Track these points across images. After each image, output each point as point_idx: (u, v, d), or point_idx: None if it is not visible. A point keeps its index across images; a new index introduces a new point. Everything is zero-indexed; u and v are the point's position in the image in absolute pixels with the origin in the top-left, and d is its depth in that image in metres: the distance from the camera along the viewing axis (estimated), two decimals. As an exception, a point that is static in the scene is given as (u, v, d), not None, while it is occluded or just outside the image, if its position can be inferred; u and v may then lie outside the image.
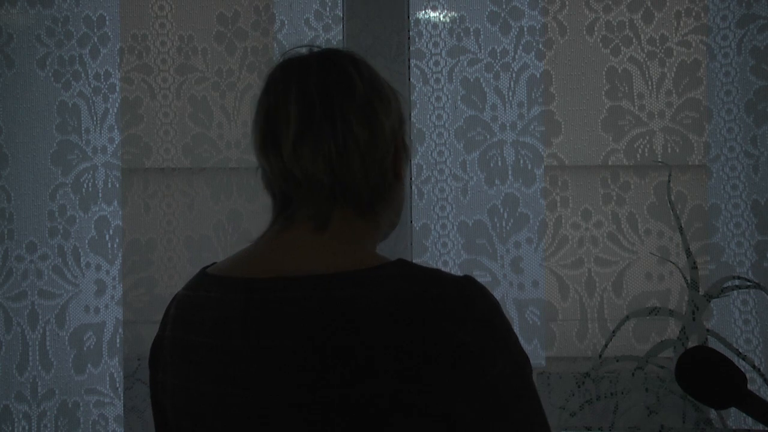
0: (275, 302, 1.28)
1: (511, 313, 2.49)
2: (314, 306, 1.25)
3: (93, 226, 2.50)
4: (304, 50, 1.41)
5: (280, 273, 1.30)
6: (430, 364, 1.21)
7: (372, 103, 1.36)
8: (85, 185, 2.50)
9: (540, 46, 2.51)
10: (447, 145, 2.52)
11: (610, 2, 2.63)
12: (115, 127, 2.51)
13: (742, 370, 2.39)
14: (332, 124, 1.34)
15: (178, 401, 1.36)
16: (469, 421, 1.23)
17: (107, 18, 2.51)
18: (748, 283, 2.42)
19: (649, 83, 2.62)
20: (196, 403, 1.33)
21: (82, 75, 2.49)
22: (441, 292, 1.24)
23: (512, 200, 2.50)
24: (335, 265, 1.28)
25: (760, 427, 2.37)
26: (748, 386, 1.39)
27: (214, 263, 1.42)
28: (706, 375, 1.38)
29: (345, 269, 1.27)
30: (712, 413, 2.40)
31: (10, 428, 2.46)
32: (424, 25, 2.53)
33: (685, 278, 2.44)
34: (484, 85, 2.51)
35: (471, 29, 2.52)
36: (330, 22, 2.55)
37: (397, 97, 1.42)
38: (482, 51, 2.51)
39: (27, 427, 2.46)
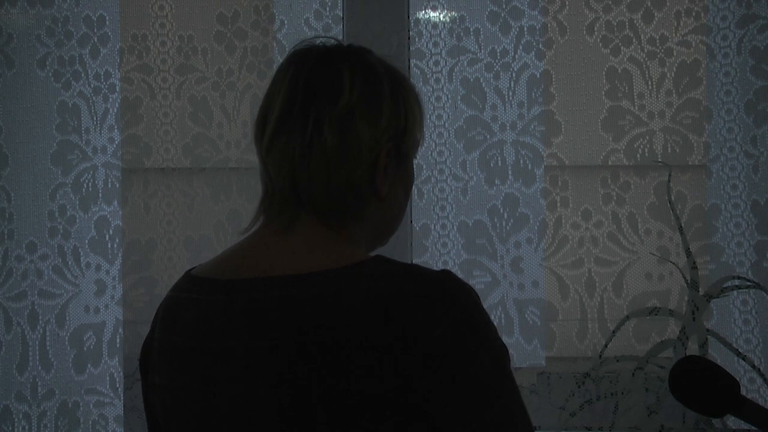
0: (253, 302, 1.28)
1: (511, 313, 2.49)
2: (292, 305, 1.25)
3: (93, 226, 2.50)
4: (317, 41, 1.39)
5: (258, 273, 1.30)
6: (409, 360, 1.21)
7: (353, 113, 1.32)
8: (85, 185, 2.50)
9: (540, 46, 2.51)
10: (447, 145, 2.52)
11: (610, 2, 2.63)
12: (115, 127, 2.52)
13: (742, 370, 2.41)
14: (304, 126, 1.31)
15: (166, 402, 1.37)
16: (450, 415, 1.23)
17: (107, 18, 2.51)
18: (748, 283, 2.42)
19: (649, 83, 2.62)
20: (182, 404, 1.34)
21: (82, 75, 2.49)
22: (420, 288, 1.24)
23: (512, 200, 2.50)
24: (310, 264, 1.28)
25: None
26: (750, 386, 1.39)
27: (200, 265, 1.42)
28: (699, 385, 1.38)
29: (321, 268, 1.27)
30: (712, 413, 2.39)
31: (10, 428, 2.46)
32: (424, 25, 2.53)
33: (685, 278, 2.44)
34: (484, 85, 2.51)
35: (471, 29, 2.52)
36: (330, 22, 2.55)
37: (401, 113, 1.36)
38: (482, 51, 2.51)
39: (27, 427, 2.46)
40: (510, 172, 2.51)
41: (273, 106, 1.35)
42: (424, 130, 2.56)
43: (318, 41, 1.39)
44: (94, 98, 2.50)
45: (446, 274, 1.27)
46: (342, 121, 1.31)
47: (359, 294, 1.24)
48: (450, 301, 1.24)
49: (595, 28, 2.63)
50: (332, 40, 1.40)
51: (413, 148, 1.41)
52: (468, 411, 1.23)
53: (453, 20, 2.53)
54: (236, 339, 1.28)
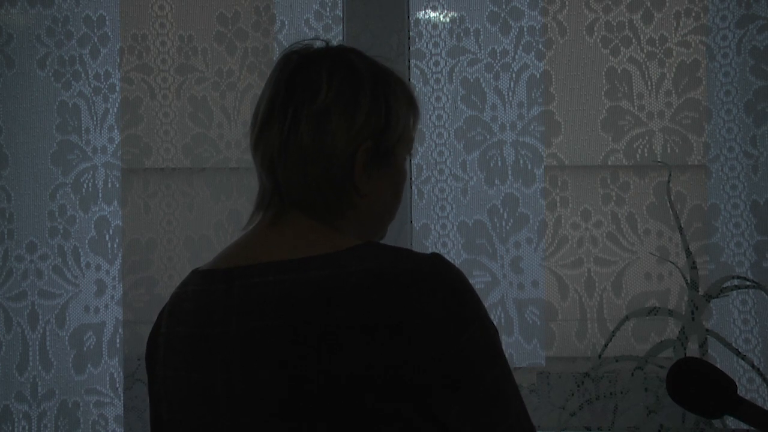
0: (252, 287, 1.31)
1: (511, 313, 2.50)
2: (289, 288, 1.28)
3: (93, 226, 2.50)
4: (305, 43, 1.42)
5: (255, 261, 1.33)
6: (401, 339, 1.23)
7: (330, 111, 1.34)
8: (85, 185, 2.50)
9: (540, 46, 2.51)
10: (447, 145, 2.53)
11: (610, 2, 2.64)
12: (115, 127, 2.52)
13: (742, 370, 2.41)
14: (282, 123, 1.35)
15: (171, 393, 1.39)
16: (442, 391, 1.25)
17: (107, 18, 2.51)
18: (748, 283, 2.42)
19: (649, 83, 2.62)
20: (186, 393, 1.36)
21: (82, 75, 2.49)
22: (411, 267, 1.26)
23: (512, 200, 2.50)
24: (305, 250, 1.31)
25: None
26: (749, 386, 1.39)
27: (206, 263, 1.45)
28: (695, 387, 1.39)
29: (315, 253, 1.30)
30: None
31: (10, 428, 2.46)
32: (424, 25, 2.53)
33: (684, 278, 2.45)
34: (484, 85, 2.52)
35: (471, 29, 2.52)
36: (330, 22, 2.55)
37: (382, 111, 1.37)
38: (482, 51, 2.52)
39: (27, 427, 2.46)
40: (510, 172, 2.51)
41: (258, 109, 1.40)
42: (424, 130, 2.56)
43: (305, 43, 1.42)
44: (94, 98, 2.50)
45: (435, 257, 1.30)
46: (318, 119, 1.34)
47: (351, 276, 1.26)
48: (440, 281, 1.27)
49: (595, 29, 2.64)
50: (321, 42, 1.42)
51: (402, 146, 1.42)
52: (460, 386, 1.25)
53: (453, 20, 2.53)
54: (235, 324, 1.31)
